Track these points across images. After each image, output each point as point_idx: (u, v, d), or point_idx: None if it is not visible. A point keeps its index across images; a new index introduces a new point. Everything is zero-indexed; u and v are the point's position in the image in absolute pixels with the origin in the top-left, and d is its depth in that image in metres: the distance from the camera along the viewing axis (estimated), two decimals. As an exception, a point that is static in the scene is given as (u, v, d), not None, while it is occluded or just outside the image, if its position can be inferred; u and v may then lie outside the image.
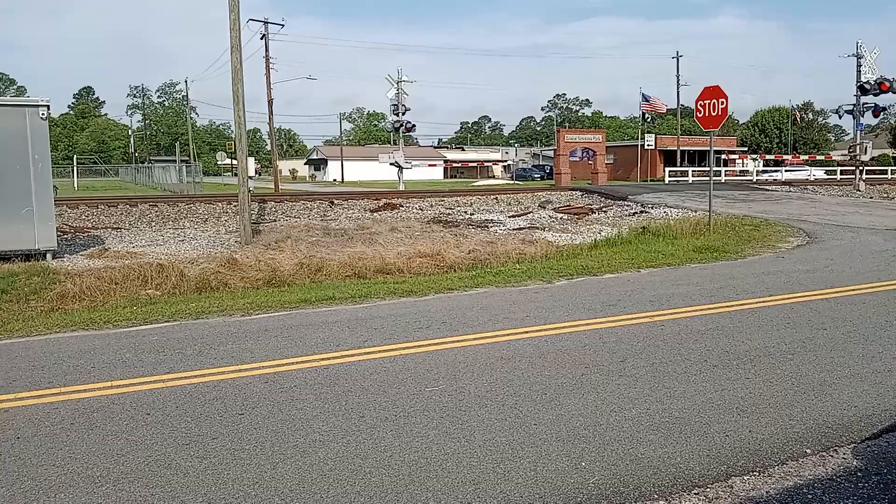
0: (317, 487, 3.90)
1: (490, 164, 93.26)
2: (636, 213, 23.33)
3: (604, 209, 24.78)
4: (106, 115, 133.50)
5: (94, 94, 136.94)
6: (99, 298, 10.09)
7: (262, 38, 43.50)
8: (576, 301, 9.13)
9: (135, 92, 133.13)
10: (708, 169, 19.69)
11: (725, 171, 51.92)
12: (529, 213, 23.85)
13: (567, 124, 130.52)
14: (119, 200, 20.91)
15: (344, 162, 79.66)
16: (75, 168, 58.38)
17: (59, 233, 12.92)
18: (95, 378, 5.94)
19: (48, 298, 10.05)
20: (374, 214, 22.24)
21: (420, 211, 22.84)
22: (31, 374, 6.10)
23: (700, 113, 16.24)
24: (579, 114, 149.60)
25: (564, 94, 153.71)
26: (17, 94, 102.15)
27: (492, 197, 27.27)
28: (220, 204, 21.58)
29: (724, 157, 58.11)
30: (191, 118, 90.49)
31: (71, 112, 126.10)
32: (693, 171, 46.96)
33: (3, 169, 12.07)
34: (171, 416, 5.00)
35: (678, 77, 59.49)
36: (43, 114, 12.40)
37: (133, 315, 8.66)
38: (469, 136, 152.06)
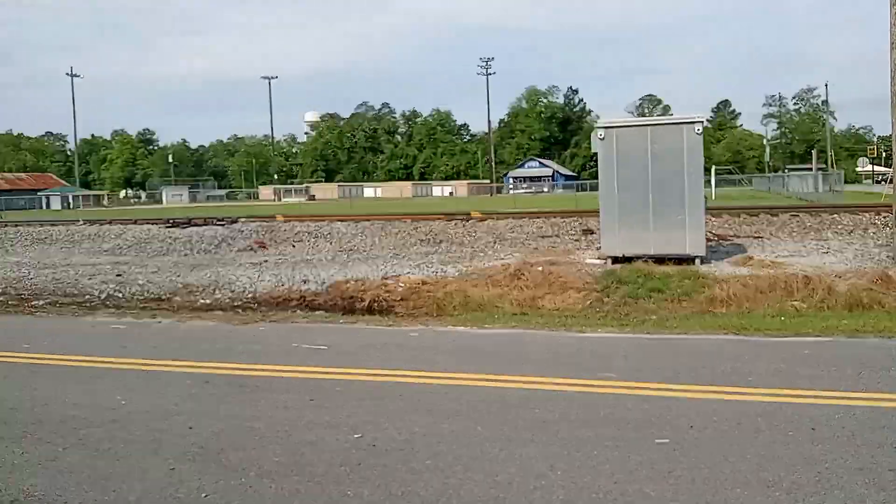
0: None
1: None
2: None
3: None
4: (741, 125, 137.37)
5: (730, 106, 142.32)
6: (745, 305, 10.37)
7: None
8: None
9: (770, 101, 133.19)
10: None
11: None
12: None
13: None
14: (759, 210, 21.11)
15: None
16: (713, 178, 61.53)
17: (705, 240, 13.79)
18: (754, 384, 6.08)
19: (698, 301, 10.80)
20: None
21: None
22: (693, 372, 6.61)
23: None
24: None
25: None
26: (662, 114, 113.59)
27: None
28: (865, 215, 19.65)
29: None
30: (828, 124, 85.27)
31: (709, 125, 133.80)
32: None
33: (662, 180, 13.51)
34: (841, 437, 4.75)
35: None
36: (698, 129, 13.44)
37: (783, 325, 8.62)
38: None
